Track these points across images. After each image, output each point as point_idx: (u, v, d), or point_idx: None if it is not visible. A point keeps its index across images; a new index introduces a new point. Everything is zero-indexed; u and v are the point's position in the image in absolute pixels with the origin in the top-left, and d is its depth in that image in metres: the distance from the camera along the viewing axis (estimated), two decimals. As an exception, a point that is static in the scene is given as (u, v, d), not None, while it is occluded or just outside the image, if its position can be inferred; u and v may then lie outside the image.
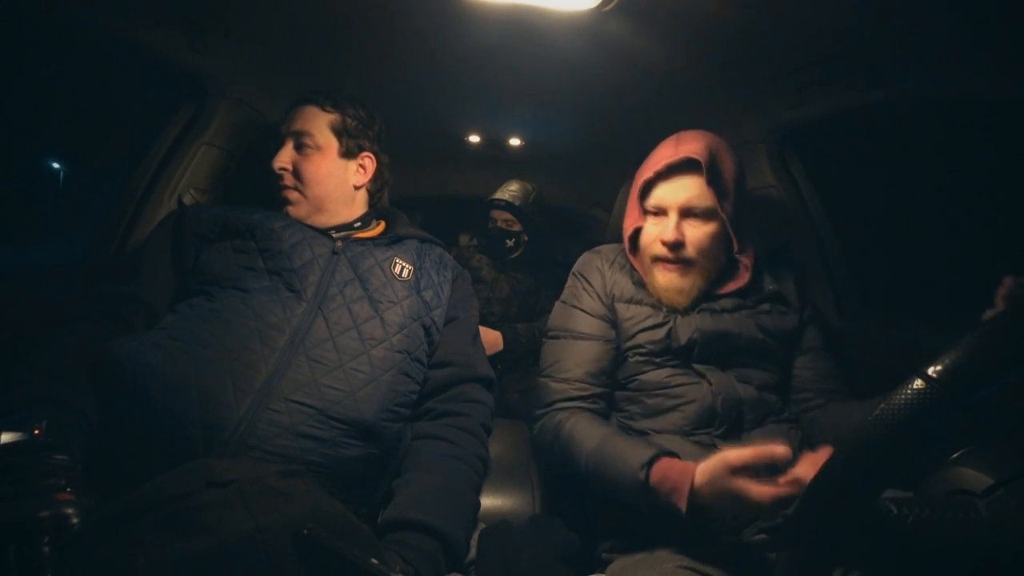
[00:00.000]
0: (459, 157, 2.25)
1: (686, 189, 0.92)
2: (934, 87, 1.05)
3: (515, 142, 2.09)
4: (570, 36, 1.07)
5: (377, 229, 1.07)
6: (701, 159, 0.90)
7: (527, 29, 1.05)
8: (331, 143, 1.01)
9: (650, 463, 0.76)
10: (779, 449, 0.66)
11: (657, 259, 0.96)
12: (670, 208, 0.94)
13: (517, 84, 1.41)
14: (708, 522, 0.78)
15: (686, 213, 0.93)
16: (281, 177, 0.98)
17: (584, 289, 1.04)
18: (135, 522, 0.48)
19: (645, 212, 0.99)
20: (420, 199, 2.51)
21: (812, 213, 1.43)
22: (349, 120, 1.02)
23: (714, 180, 0.91)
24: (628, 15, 0.97)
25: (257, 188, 1.07)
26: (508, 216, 1.95)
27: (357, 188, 1.05)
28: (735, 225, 0.94)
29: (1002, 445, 0.49)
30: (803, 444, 0.92)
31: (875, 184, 1.68)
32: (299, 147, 0.99)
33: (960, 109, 1.17)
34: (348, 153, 1.02)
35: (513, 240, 1.95)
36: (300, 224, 0.97)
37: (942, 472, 0.50)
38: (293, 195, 0.99)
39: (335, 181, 1.01)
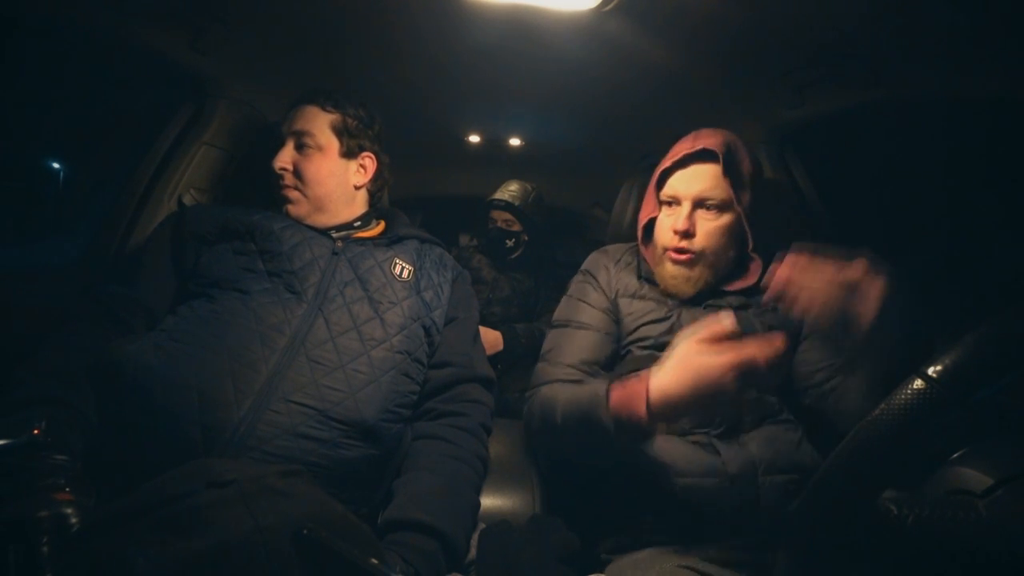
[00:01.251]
0: (459, 157, 2.25)
1: (701, 180, 0.94)
2: (934, 87, 1.05)
3: (515, 142, 2.09)
4: (570, 36, 1.08)
5: (377, 229, 1.07)
6: (718, 150, 0.92)
7: (527, 29, 1.05)
8: (332, 143, 1.01)
9: (608, 389, 0.75)
10: (725, 321, 0.65)
11: (667, 249, 0.97)
12: (684, 198, 0.95)
13: (517, 84, 1.41)
14: (675, 423, 0.76)
15: (699, 204, 0.95)
16: (282, 177, 0.98)
17: (589, 283, 1.07)
18: (135, 522, 0.48)
19: (660, 203, 1.01)
20: (420, 199, 2.51)
21: (812, 213, 1.43)
22: (350, 120, 1.02)
23: (730, 171, 0.93)
24: (628, 15, 0.97)
25: (257, 188, 1.06)
26: (508, 216, 1.94)
27: (357, 188, 1.05)
28: (750, 220, 0.95)
29: (1002, 445, 0.49)
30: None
31: (875, 184, 1.68)
32: (300, 147, 0.99)
33: (960, 109, 1.17)
34: (349, 153, 1.02)
35: (513, 240, 1.95)
36: (300, 224, 0.97)
37: (942, 472, 0.50)
38: (294, 195, 0.99)
39: (336, 181, 1.01)
